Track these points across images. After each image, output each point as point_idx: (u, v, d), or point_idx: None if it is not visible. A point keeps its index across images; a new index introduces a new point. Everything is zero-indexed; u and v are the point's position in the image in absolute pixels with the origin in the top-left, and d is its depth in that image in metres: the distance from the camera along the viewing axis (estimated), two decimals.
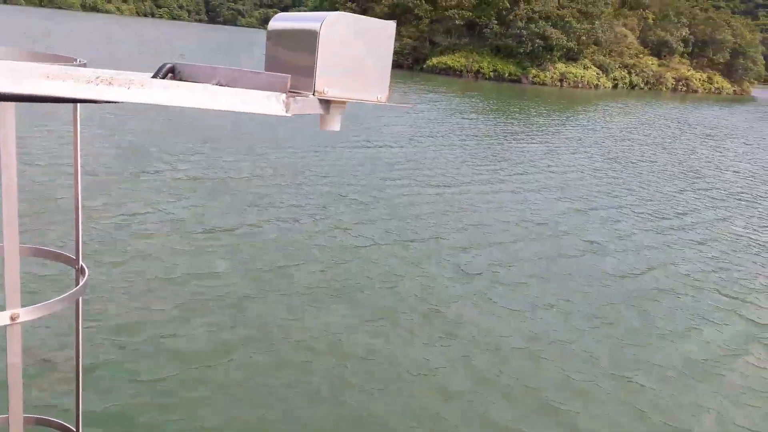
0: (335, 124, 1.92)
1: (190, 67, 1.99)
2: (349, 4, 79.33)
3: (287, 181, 15.80)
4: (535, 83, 68.42)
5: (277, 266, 9.94)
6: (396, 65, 71.57)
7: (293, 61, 1.84)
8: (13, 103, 1.89)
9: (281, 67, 1.87)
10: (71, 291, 2.54)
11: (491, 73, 68.53)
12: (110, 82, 1.56)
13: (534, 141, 27.42)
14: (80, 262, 2.74)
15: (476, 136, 26.23)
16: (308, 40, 1.77)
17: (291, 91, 1.74)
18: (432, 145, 22.77)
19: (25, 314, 2.00)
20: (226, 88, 1.71)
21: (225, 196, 13.51)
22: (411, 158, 19.61)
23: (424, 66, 70.57)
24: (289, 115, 1.68)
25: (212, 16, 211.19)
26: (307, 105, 1.79)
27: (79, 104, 2.09)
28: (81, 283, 2.55)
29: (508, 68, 69.13)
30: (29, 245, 3.26)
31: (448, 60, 69.87)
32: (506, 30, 68.73)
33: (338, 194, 14.64)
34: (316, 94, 1.78)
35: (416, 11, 74.15)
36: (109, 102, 1.63)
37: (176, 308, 8.09)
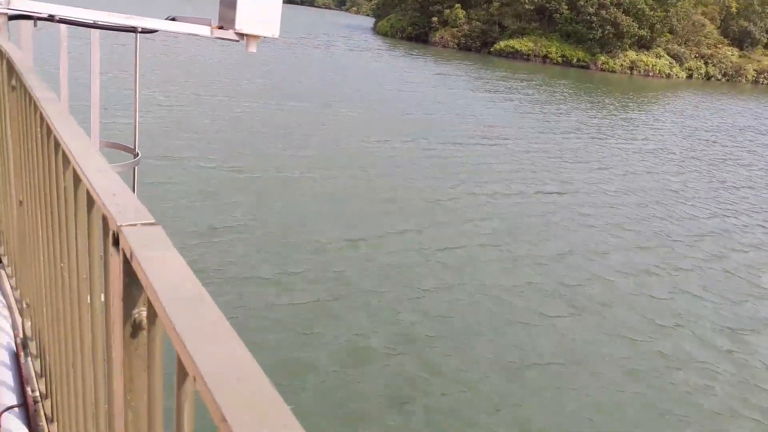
0: (253, 49, 4.09)
1: (183, 17, 4.19)
2: None
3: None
4: (604, 70, 67.70)
5: None
6: (465, 48, 72.36)
7: (229, 14, 4.00)
8: (98, 30, 4.01)
9: (224, 18, 4.04)
10: (131, 161, 4.81)
11: (559, 59, 68.28)
12: (138, 21, 3.71)
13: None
14: (136, 149, 5.05)
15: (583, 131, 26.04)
16: (233, 5, 3.92)
17: (220, 28, 3.89)
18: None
19: None
20: (189, 24, 3.86)
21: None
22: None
23: (492, 49, 70.98)
24: (212, 36, 3.81)
25: None
26: (230, 35, 3.94)
27: (138, 34, 4.19)
28: (137, 158, 4.83)
29: (576, 54, 68.64)
30: (105, 140, 5.86)
31: (516, 44, 70.03)
32: (576, 15, 68.22)
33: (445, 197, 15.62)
34: (236, 29, 3.92)
35: None
36: (141, 31, 3.80)
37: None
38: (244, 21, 3.97)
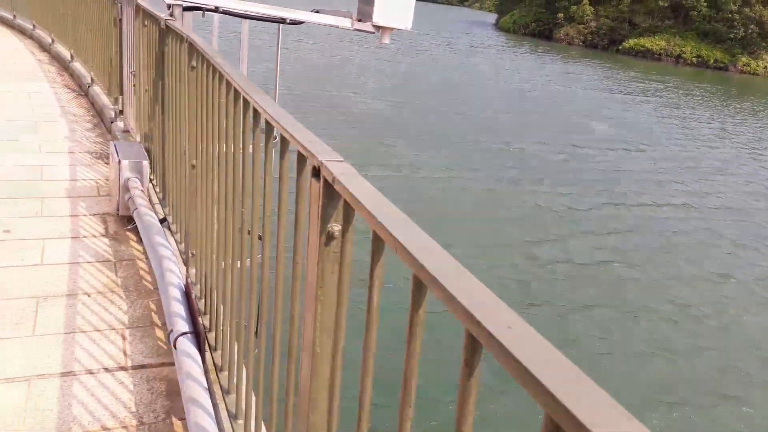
0: (386, 40, 4.40)
1: (325, 9, 4.57)
2: None
3: None
4: (745, 72, 62.79)
5: None
6: (591, 45, 69.83)
7: (367, 9, 4.32)
8: (248, 20, 4.45)
9: (362, 11, 4.36)
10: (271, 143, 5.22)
11: (694, 59, 64.14)
12: (288, 13, 4.13)
13: None
14: (274, 132, 5.47)
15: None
16: (371, 0, 4.23)
17: (358, 20, 4.22)
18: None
19: None
20: (332, 16, 4.23)
21: None
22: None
23: (620, 48, 67.94)
24: (352, 28, 4.14)
25: None
26: (367, 27, 4.27)
27: (281, 25, 4.62)
28: (275, 141, 5.25)
29: (713, 54, 64.13)
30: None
31: (647, 42, 66.58)
32: (716, 13, 63.74)
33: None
34: (372, 22, 4.24)
35: None
36: (289, 22, 4.20)
37: None
38: (380, 14, 4.26)
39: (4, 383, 2.64)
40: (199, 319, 2.52)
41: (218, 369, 2.40)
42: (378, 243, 0.92)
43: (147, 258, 3.87)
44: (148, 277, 3.67)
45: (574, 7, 73.47)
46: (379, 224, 0.87)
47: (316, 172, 1.14)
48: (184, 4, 3.79)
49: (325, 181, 1.10)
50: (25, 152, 5.67)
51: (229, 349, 2.35)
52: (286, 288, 1.50)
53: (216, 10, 3.94)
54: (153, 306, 3.37)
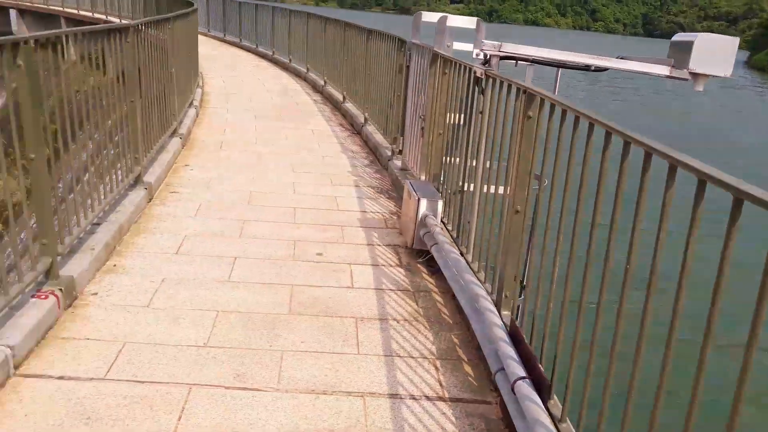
0: (700, 88, 4.18)
1: (632, 56, 4.45)
2: None
3: None
4: None
5: None
6: None
7: (681, 55, 4.14)
8: (532, 67, 4.48)
9: (675, 58, 4.19)
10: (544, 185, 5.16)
11: None
12: (590, 60, 4.10)
13: None
14: (542, 175, 5.38)
15: None
16: (688, 46, 4.06)
17: (675, 68, 4.06)
18: None
19: None
20: (644, 63, 4.10)
21: None
22: None
23: None
24: (667, 74, 3.97)
25: (648, 29, 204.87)
26: (683, 74, 4.08)
27: (559, 70, 4.57)
28: (544, 185, 5.19)
29: None
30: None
31: None
32: None
33: None
34: (688, 69, 4.05)
35: None
36: (594, 69, 4.17)
37: None
38: (698, 61, 4.04)
39: (344, 396, 2.92)
40: (539, 366, 2.55)
41: (555, 420, 2.39)
42: None
43: (441, 291, 4.07)
44: (446, 311, 3.84)
45: None
46: None
47: None
48: (500, 54, 3.98)
49: None
50: (320, 184, 6.36)
51: (575, 400, 2.33)
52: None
53: (527, 59, 4.07)
54: (455, 340, 3.51)
